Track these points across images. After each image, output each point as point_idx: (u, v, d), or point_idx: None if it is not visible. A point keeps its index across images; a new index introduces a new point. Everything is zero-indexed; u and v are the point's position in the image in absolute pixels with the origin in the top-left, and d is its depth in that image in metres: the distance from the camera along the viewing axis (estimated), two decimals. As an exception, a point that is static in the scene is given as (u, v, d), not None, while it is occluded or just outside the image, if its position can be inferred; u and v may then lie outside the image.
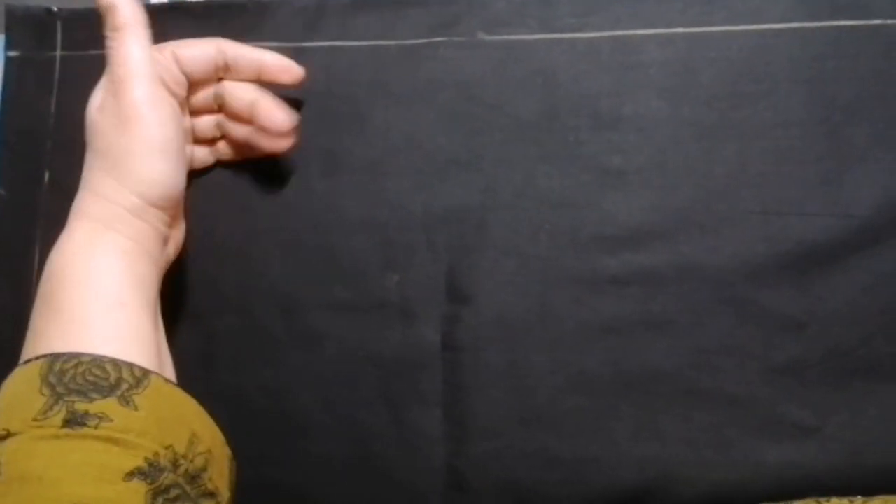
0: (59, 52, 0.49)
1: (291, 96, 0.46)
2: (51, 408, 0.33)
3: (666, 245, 0.44)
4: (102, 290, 0.37)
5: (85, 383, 0.34)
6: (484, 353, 0.44)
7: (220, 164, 0.47)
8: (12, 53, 0.49)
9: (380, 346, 0.44)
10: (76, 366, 0.34)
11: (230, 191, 0.46)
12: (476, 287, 0.44)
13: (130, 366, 0.35)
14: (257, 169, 0.47)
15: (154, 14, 0.47)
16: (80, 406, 0.33)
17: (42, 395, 0.33)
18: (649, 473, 0.42)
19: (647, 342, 0.43)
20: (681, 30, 0.45)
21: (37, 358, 0.35)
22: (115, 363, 0.35)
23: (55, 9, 0.49)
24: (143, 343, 0.38)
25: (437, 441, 0.43)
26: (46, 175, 0.47)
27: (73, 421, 0.32)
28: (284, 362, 0.45)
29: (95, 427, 0.33)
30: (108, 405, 0.33)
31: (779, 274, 0.43)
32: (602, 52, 0.46)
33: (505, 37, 0.46)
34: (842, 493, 0.40)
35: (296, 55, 0.46)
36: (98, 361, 0.35)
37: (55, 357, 0.35)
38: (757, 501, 0.41)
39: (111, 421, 0.33)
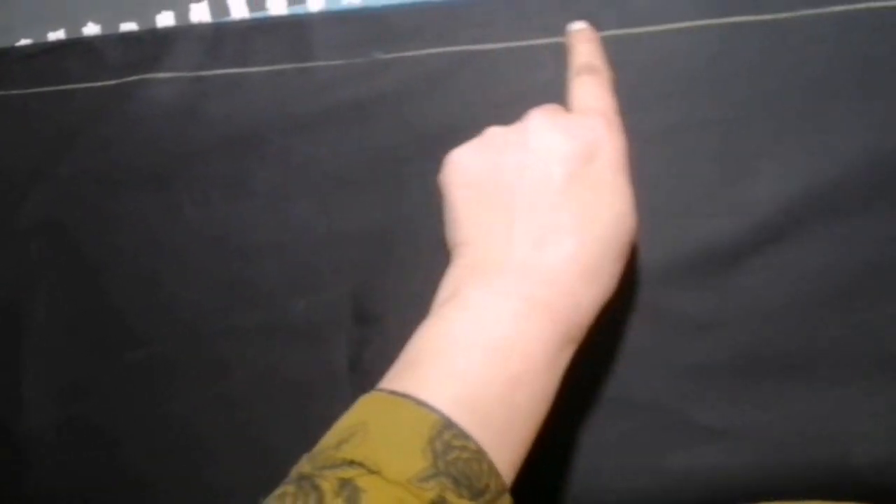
0: None
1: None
2: (427, 480, 0.31)
3: (569, 253, 0.43)
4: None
5: (461, 474, 0.32)
6: (394, 372, 0.44)
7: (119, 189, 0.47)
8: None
9: (289, 372, 0.44)
10: (462, 448, 0.32)
11: (134, 221, 0.46)
12: (382, 308, 0.44)
13: (498, 476, 0.33)
14: (159, 197, 0.47)
15: (51, 51, 0.48)
16: (450, 497, 0.31)
17: (424, 458, 0.31)
18: (571, 483, 0.42)
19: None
20: (575, 36, 0.45)
21: (434, 410, 0.33)
22: (492, 467, 0.33)
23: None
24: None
25: (351, 463, 0.43)
26: None
27: None
28: (192, 393, 0.45)
29: None
30: None
31: (682, 276, 0.42)
32: (499, 64, 0.45)
33: (403, 53, 0.46)
34: (758, 493, 0.39)
35: (194, 84, 0.46)
36: (479, 456, 0.33)
37: (448, 424, 0.33)
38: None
39: None
